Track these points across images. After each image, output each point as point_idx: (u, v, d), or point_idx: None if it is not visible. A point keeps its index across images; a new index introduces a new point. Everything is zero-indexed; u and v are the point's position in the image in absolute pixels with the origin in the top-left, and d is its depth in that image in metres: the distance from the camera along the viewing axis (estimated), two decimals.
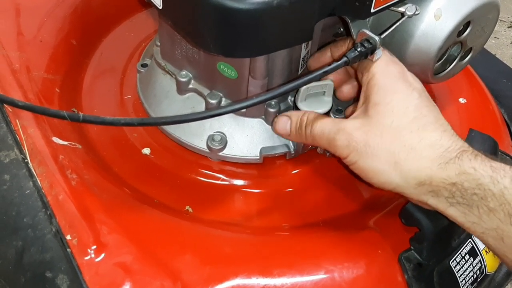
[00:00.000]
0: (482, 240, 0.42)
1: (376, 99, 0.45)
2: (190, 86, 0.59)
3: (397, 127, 0.43)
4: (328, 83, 0.53)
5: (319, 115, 0.50)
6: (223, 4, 0.41)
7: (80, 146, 0.56)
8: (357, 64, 0.48)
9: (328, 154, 0.56)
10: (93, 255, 0.43)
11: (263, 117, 0.58)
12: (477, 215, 0.40)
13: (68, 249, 0.43)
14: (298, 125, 0.50)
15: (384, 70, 0.46)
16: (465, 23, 0.52)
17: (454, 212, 0.42)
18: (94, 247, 0.44)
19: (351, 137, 0.45)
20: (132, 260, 0.44)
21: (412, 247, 0.49)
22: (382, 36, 0.47)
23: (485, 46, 0.60)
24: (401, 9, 0.48)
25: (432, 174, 0.42)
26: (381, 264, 0.49)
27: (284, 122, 0.52)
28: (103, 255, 0.44)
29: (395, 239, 0.50)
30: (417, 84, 0.46)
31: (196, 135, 0.58)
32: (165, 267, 0.45)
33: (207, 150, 0.57)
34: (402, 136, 0.43)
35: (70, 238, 0.44)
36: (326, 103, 0.53)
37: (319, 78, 0.45)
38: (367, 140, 0.44)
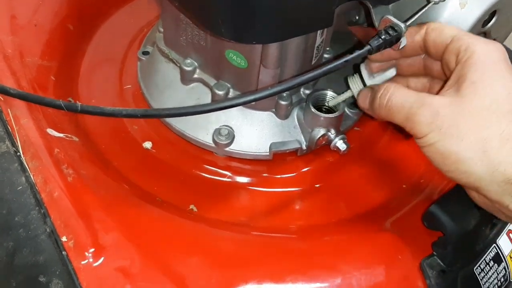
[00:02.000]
0: None
1: (474, 77, 0.40)
2: (196, 75, 0.57)
3: (496, 111, 0.39)
4: None
5: (400, 86, 0.45)
6: None
7: (77, 139, 0.54)
8: (446, 45, 0.43)
9: (342, 151, 0.53)
10: (91, 259, 0.42)
11: (273, 110, 0.56)
12: None
13: (63, 252, 0.42)
14: (374, 95, 0.46)
15: (486, 49, 0.42)
16: (491, 13, 0.49)
17: None
18: (92, 250, 0.42)
19: (437, 114, 0.40)
20: (133, 264, 0.42)
21: (435, 253, 0.46)
22: (408, 23, 0.44)
23: None
24: None
25: None
26: (401, 270, 0.47)
27: (365, 95, 0.48)
28: (102, 259, 0.42)
29: (415, 243, 0.48)
30: None
31: (201, 128, 0.56)
32: (169, 272, 0.43)
33: (213, 145, 0.55)
34: (500, 123, 0.39)
35: (66, 239, 0.42)
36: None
37: (340, 68, 0.42)
38: (455, 120, 0.39)
